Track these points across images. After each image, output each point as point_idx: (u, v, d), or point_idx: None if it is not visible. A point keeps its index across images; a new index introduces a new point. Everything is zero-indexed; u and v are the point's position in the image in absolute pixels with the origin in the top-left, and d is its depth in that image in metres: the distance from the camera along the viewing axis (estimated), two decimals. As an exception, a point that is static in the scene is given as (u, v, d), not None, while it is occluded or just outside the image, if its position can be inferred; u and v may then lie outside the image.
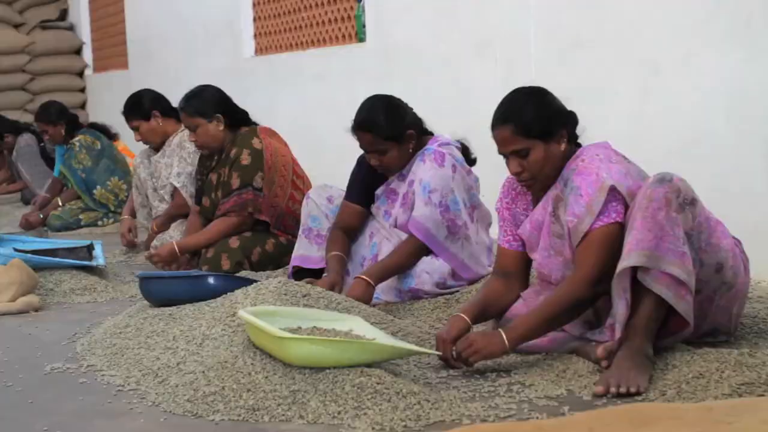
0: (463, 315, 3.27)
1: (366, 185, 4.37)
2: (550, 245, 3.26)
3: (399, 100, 4.23)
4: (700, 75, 4.56)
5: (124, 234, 6.05)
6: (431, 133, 4.33)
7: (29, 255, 4.97)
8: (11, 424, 2.87)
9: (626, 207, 3.09)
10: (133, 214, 6.15)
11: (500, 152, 3.25)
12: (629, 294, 2.95)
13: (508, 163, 3.25)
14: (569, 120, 3.26)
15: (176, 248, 5.00)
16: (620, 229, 3.07)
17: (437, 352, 3.17)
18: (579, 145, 3.31)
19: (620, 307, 2.96)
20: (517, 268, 3.43)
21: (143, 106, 5.80)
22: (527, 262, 3.45)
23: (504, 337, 3.08)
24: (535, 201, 3.35)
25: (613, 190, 3.08)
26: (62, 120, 7.56)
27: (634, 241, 2.94)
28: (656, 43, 4.79)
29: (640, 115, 4.87)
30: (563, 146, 3.23)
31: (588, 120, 3.35)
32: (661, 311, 2.97)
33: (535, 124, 3.17)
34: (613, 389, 2.83)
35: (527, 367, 3.16)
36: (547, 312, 3.09)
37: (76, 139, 7.40)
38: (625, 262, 2.94)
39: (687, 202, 3.00)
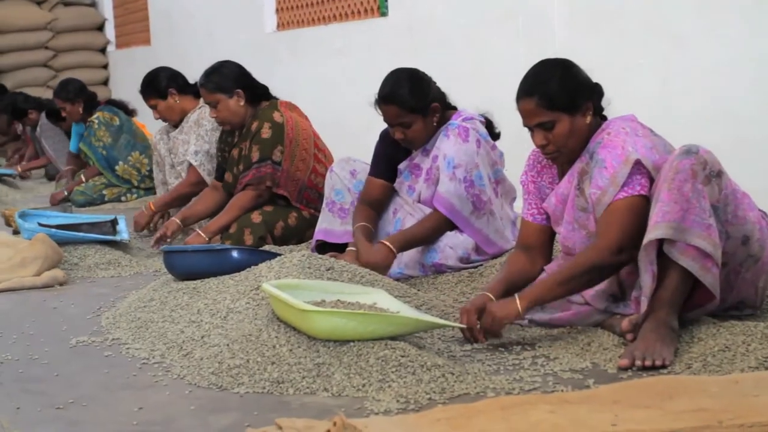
0: (488, 293, 3.24)
1: (389, 160, 4.36)
2: (575, 219, 3.25)
3: (423, 73, 4.21)
4: (725, 45, 4.52)
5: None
6: (455, 108, 4.32)
7: (54, 230, 4.99)
8: (38, 396, 2.89)
9: (651, 181, 3.07)
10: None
11: (525, 125, 3.23)
12: (655, 266, 2.93)
13: (532, 136, 3.23)
14: (595, 92, 3.23)
15: (204, 235, 4.98)
16: (645, 201, 3.04)
17: (461, 325, 3.16)
18: (605, 118, 3.29)
19: (646, 280, 2.94)
20: (539, 242, 3.42)
21: (159, 85, 5.79)
22: (550, 236, 3.44)
23: (516, 299, 3.09)
24: (561, 174, 3.33)
25: (638, 164, 3.06)
26: (80, 98, 7.59)
27: (660, 213, 2.92)
28: (681, 14, 4.75)
29: (666, 86, 4.84)
30: (588, 119, 3.20)
31: (612, 92, 3.32)
32: (687, 284, 2.95)
33: (560, 96, 3.14)
34: (638, 362, 2.82)
35: (552, 341, 3.16)
36: (563, 276, 3.07)
37: (95, 116, 7.44)
38: (651, 234, 2.92)
39: (713, 174, 2.97)
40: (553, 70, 3.20)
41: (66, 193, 7.55)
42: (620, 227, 3.04)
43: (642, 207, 3.04)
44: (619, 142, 3.11)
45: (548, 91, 3.14)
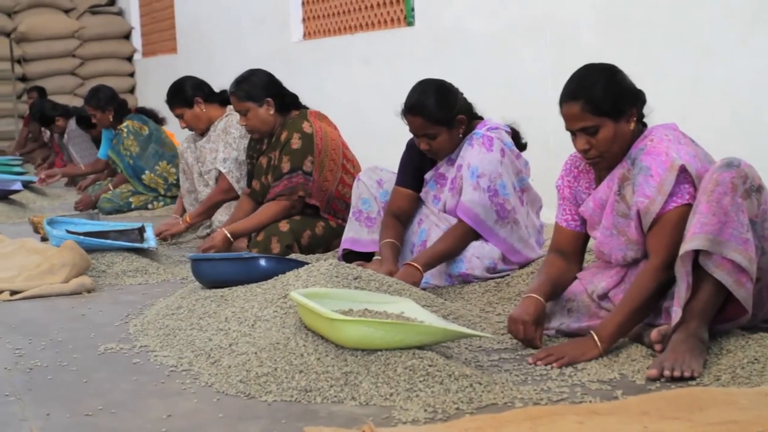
0: (535, 295, 3.23)
1: (416, 169, 4.36)
2: (613, 224, 3.23)
3: (450, 84, 4.21)
4: (754, 56, 4.51)
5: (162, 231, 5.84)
6: (481, 118, 4.32)
7: (81, 237, 5.02)
8: (67, 403, 2.91)
9: (695, 189, 3.05)
10: (182, 213, 6.11)
11: (567, 128, 3.20)
12: (691, 277, 2.92)
13: (574, 140, 3.21)
14: (639, 99, 3.22)
15: (228, 235, 5.00)
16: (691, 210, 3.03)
17: (489, 335, 3.15)
18: (645, 125, 3.28)
19: (681, 290, 2.92)
20: (573, 248, 3.41)
21: (186, 94, 5.81)
22: (584, 243, 3.43)
23: (596, 340, 3.05)
24: (598, 180, 3.32)
25: (683, 171, 3.05)
26: (111, 105, 7.64)
27: (698, 224, 2.91)
28: (710, 25, 4.73)
29: (695, 97, 4.82)
30: (632, 125, 3.19)
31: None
32: (720, 297, 2.94)
33: (605, 101, 3.13)
34: (667, 372, 2.80)
35: (579, 351, 3.14)
36: (635, 303, 3.05)
37: (124, 124, 7.48)
38: (687, 245, 2.90)
39: (753, 188, 2.95)
40: (598, 74, 3.18)
41: (93, 198, 7.62)
42: (673, 242, 3.01)
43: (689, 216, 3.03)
44: (663, 148, 3.10)
45: (594, 95, 3.13)
